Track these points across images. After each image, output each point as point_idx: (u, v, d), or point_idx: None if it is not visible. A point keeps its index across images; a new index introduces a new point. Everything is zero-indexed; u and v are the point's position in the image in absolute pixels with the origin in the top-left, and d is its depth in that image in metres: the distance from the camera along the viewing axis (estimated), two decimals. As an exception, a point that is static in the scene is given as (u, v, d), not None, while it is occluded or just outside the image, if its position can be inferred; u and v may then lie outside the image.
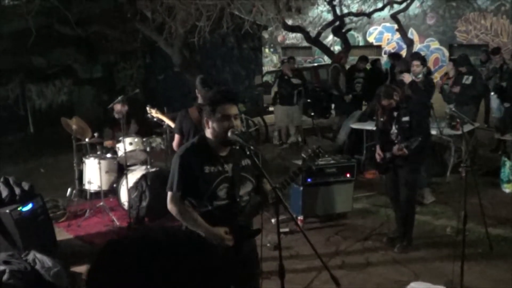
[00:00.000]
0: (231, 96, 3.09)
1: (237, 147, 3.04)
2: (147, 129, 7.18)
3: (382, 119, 5.49)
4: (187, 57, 10.08)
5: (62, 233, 6.22)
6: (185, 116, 5.19)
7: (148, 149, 6.86)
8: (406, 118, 5.27)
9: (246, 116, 10.87)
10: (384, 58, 18.25)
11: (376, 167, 5.89)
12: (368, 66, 11.83)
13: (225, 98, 3.05)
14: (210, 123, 3.05)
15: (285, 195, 5.04)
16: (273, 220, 5.77)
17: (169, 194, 3.09)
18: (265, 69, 17.41)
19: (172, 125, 5.81)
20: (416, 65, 6.73)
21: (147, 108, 6.20)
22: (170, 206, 3.09)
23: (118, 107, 7.16)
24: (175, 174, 3.05)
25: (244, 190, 3.14)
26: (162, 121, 6.18)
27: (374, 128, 6.06)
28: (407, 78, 6.68)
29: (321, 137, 11.37)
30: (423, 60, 7.19)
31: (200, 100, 5.25)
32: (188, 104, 5.66)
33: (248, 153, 2.91)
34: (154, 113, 6.16)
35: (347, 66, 11.88)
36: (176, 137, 5.25)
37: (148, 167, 6.72)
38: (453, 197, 6.77)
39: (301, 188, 6.17)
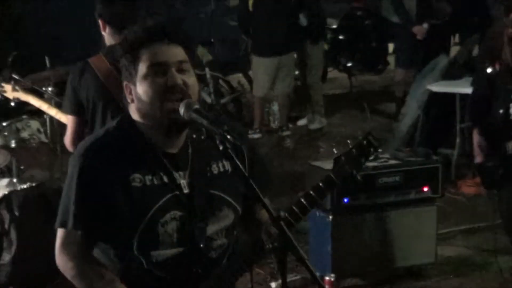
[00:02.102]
0: (168, 29, 2.51)
1: (202, 137, 2.40)
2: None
3: (491, 71, 4.65)
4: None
5: None
6: (82, 74, 4.32)
7: (13, 144, 5.92)
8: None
9: (214, 73, 9.73)
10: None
11: (479, 173, 5.16)
12: None
13: (156, 34, 2.49)
14: (133, 89, 2.47)
15: (300, 232, 5.11)
16: (273, 285, 5.31)
17: (60, 233, 2.52)
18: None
19: (48, 110, 5.21)
20: None
21: None
22: (60, 258, 2.48)
23: None
24: (72, 196, 2.47)
25: (216, 226, 2.53)
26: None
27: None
28: None
29: (369, 113, 9.82)
30: None
31: (108, 41, 4.41)
32: (92, 51, 4.73)
33: (221, 147, 2.23)
34: (10, 93, 5.32)
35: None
36: (70, 119, 4.37)
37: (14, 180, 5.75)
38: None
39: (331, 217, 5.29)
